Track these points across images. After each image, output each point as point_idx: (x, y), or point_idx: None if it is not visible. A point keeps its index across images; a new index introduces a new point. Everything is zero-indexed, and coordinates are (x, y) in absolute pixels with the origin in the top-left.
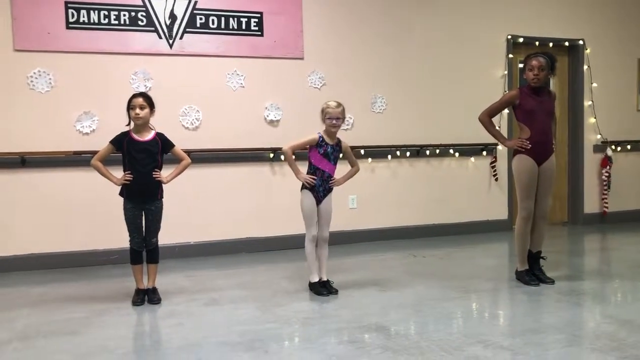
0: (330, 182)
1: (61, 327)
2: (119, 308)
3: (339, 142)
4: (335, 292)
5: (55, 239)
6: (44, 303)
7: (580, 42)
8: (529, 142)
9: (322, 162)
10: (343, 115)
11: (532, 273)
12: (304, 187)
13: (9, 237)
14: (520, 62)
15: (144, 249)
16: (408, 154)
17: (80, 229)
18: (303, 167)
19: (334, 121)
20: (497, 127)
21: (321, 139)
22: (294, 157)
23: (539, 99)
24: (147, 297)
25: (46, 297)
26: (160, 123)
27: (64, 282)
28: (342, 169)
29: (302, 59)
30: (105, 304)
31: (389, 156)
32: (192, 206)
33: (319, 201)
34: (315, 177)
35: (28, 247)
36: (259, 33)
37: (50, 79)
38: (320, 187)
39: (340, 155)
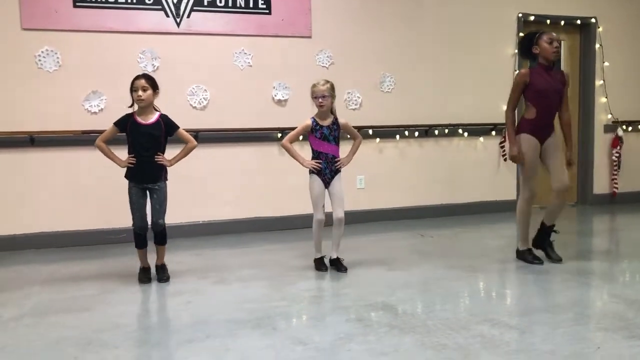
0: (336, 164)
1: (72, 304)
2: (128, 286)
3: (335, 120)
4: (345, 270)
5: (65, 217)
6: (54, 281)
7: (593, 20)
8: (534, 122)
9: (322, 145)
10: (331, 93)
11: (539, 244)
12: (311, 171)
13: (19, 216)
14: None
15: (147, 231)
16: (416, 133)
17: (89, 208)
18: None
19: (320, 100)
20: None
21: (314, 123)
22: (294, 146)
23: (550, 78)
24: (156, 275)
25: (56, 275)
26: (168, 102)
27: (73, 260)
28: (345, 148)
29: (310, 37)
30: (114, 282)
31: (398, 136)
32: (200, 186)
33: (327, 184)
34: (320, 162)
35: (38, 226)
36: (267, 11)
37: (57, 58)
38: (326, 170)
39: (347, 135)
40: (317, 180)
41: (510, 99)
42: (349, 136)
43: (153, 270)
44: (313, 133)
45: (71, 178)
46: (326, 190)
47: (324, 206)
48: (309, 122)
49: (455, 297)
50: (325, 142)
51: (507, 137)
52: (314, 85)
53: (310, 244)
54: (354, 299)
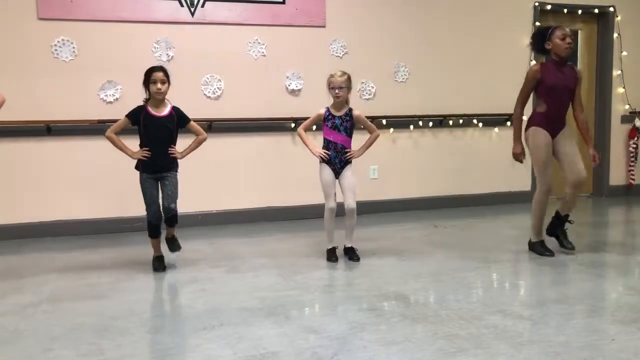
0: (347, 154)
1: (88, 291)
2: (143, 274)
3: (349, 112)
4: (357, 259)
5: (81, 206)
6: (71, 268)
7: (611, 9)
8: (545, 115)
9: (331, 134)
10: (348, 85)
11: (553, 232)
12: (321, 160)
13: (36, 205)
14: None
15: (161, 221)
16: (431, 124)
17: (105, 197)
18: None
19: (337, 90)
20: (522, 119)
21: (327, 113)
22: (308, 134)
23: (561, 74)
24: (167, 247)
25: (73, 263)
26: (183, 92)
27: (89, 249)
28: (362, 139)
29: (323, 27)
30: (130, 270)
31: (411, 126)
32: (214, 175)
33: (337, 174)
34: (328, 152)
35: (55, 214)
36: (281, 0)
37: (73, 47)
38: (335, 159)
39: (361, 126)
40: (326, 169)
41: (520, 94)
42: (362, 127)
43: (167, 259)
44: (325, 122)
45: (87, 167)
46: (337, 180)
47: (335, 195)
48: (322, 111)
49: (468, 287)
50: (335, 131)
51: (513, 132)
52: (331, 76)
53: (322, 234)
54: (366, 289)
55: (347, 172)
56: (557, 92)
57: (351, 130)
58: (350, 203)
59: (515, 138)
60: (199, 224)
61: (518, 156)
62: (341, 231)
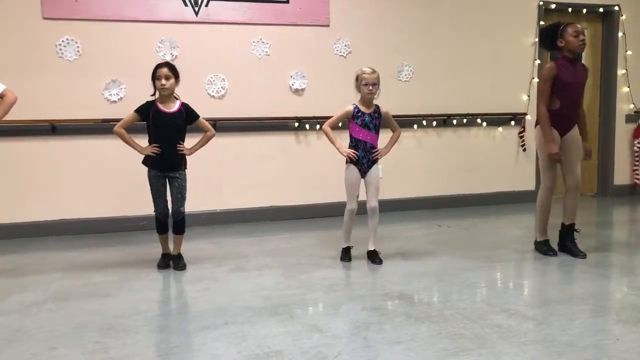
0: (375, 154)
1: (93, 290)
2: (148, 273)
3: (377, 108)
4: (379, 262)
5: (86, 205)
6: (75, 267)
7: (616, 7)
8: (557, 113)
9: (361, 132)
10: (378, 82)
11: (564, 245)
12: (347, 160)
13: (41, 203)
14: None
15: (168, 217)
16: (434, 123)
17: (109, 196)
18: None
19: (371, 87)
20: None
21: (356, 110)
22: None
23: (575, 71)
24: (172, 263)
25: (78, 261)
26: (186, 91)
27: (94, 247)
28: (384, 137)
29: (327, 26)
30: (134, 269)
31: (415, 126)
32: (218, 174)
33: (364, 173)
34: (357, 152)
35: (60, 213)
36: (285, 0)
37: (78, 47)
38: (364, 159)
39: (381, 122)
40: (354, 170)
41: (540, 95)
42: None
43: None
44: (354, 120)
45: (92, 166)
46: (362, 179)
47: (357, 196)
48: (350, 108)
49: (472, 287)
50: (365, 130)
51: (543, 135)
52: (362, 72)
53: (325, 233)
54: (370, 288)
55: (374, 171)
56: (571, 88)
57: (379, 128)
58: (373, 202)
59: (548, 138)
60: (203, 223)
61: (555, 156)
62: (357, 231)
